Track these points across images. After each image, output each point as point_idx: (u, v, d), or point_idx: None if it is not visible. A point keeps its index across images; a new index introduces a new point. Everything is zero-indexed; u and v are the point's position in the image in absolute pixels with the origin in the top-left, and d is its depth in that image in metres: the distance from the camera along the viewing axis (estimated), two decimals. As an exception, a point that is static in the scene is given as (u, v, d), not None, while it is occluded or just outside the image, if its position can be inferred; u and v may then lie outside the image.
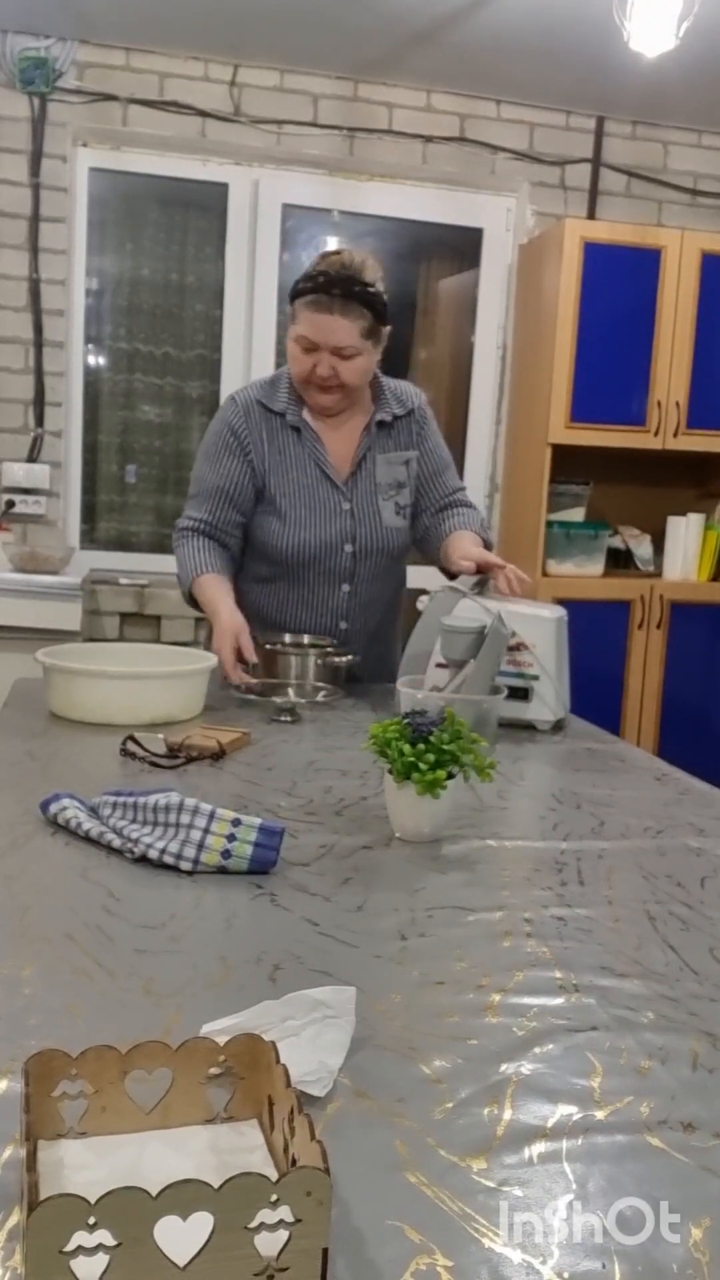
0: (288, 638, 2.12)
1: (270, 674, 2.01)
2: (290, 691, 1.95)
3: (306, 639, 2.11)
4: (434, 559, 2.17)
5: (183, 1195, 0.51)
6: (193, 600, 2.10)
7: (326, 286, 1.95)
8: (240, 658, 1.94)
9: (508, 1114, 0.72)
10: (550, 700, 1.88)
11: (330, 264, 1.98)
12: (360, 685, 2.10)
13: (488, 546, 2.06)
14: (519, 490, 3.98)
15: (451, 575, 2.07)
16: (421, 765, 1.21)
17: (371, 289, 1.98)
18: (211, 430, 2.13)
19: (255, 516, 2.10)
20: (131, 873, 1.13)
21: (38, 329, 3.69)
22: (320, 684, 1.96)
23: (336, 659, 2.02)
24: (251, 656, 1.94)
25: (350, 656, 2.03)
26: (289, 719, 1.81)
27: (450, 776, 1.23)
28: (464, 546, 2.01)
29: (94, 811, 1.24)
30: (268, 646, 2.05)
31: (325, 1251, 0.54)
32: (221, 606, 1.99)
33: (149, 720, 1.72)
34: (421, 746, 1.22)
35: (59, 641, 2.18)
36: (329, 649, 2.05)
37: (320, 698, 1.86)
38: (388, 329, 2.05)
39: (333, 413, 2.09)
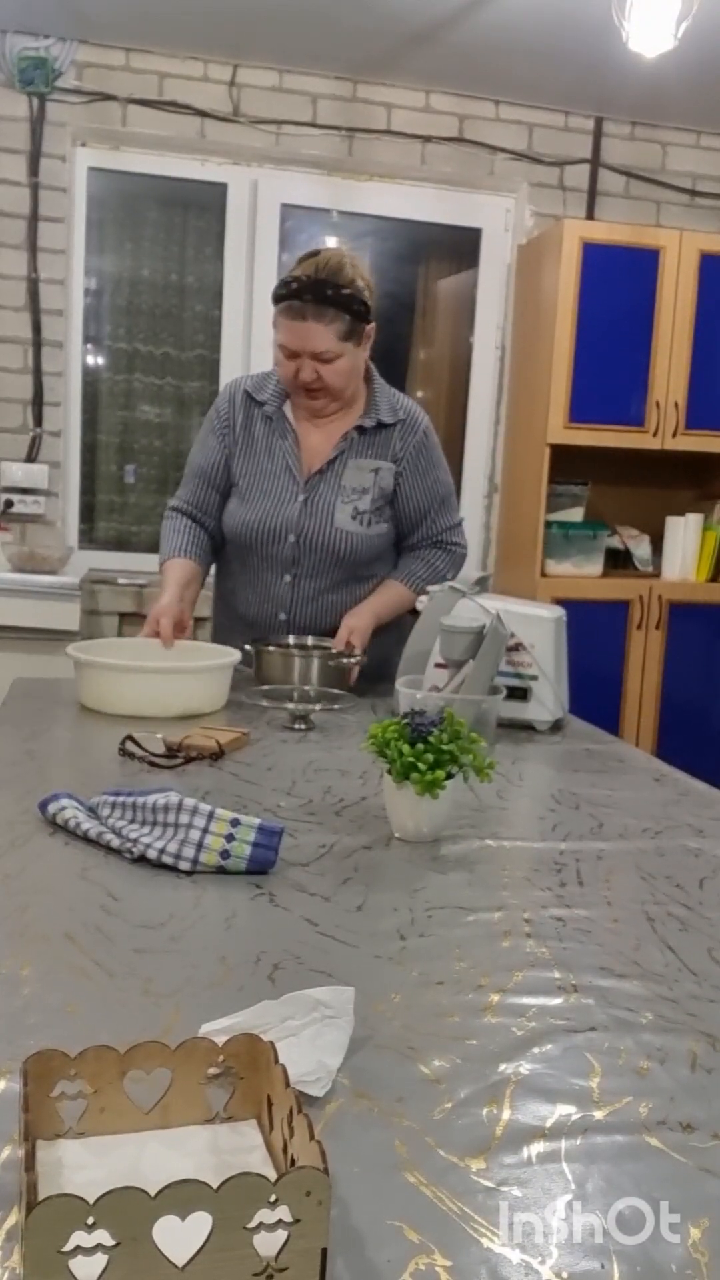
0: (291, 639, 2.11)
1: (274, 676, 2.00)
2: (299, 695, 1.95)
3: (310, 640, 2.11)
4: None
5: (181, 1195, 0.51)
6: None
7: (299, 293, 1.94)
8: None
9: (507, 1114, 0.72)
10: (549, 700, 1.88)
11: (305, 268, 1.98)
12: (364, 686, 2.09)
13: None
14: (518, 490, 3.98)
15: None
16: (420, 765, 1.21)
17: (346, 290, 1.95)
18: (207, 415, 2.22)
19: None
20: (130, 872, 1.12)
21: (36, 329, 3.69)
22: (335, 690, 1.95)
23: (341, 661, 2.01)
24: (169, 640, 1.98)
25: (354, 659, 2.03)
26: (303, 727, 1.80)
27: (449, 776, 1.23)
28: (358, 608, 2.11)
29: (93, 811, 1.24)
30: (271, 648, 2.05)
31: (324, 1251, 0.54)
32: (165, 593, 2.07)
33: (178, 713, 1.80)
34: (420, 746, 1.22)
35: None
36: (333, 651, 2.04)
37: (336, 706, 1.84)
38: (371, 326, 2.03)
39: (325, 414, 2.11)
